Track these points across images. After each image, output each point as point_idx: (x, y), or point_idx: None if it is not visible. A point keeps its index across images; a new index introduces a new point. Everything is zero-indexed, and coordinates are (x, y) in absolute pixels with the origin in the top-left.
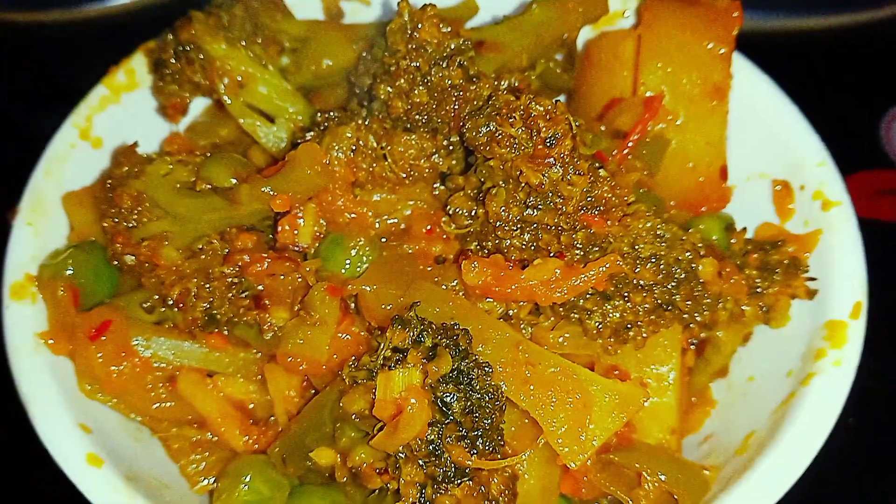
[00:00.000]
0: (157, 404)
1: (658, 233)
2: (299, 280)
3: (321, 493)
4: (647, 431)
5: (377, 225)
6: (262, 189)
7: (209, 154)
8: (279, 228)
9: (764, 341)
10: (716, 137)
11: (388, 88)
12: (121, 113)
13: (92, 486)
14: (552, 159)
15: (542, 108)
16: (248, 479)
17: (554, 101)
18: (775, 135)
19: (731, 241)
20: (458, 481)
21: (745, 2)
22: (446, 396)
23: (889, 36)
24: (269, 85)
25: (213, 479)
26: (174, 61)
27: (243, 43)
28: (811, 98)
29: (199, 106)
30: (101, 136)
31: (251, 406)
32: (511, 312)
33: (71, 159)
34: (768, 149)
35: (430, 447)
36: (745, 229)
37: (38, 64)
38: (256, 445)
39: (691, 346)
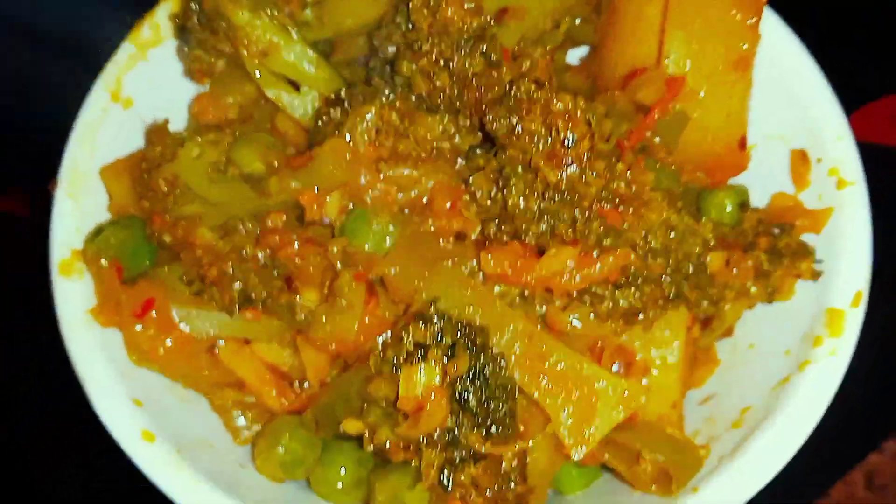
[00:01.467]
0: (201, 371)
1: (671, 223)
2: (327, 261)
3: (350, 449)
4: (650, 406)
5: (400, 199)
6: (291, 184)
7: (237, 133)
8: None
9: (768, 311)
10: (736, 109)
11: (413, 66)
12: (149, 70)
13: (147, 461)
14: (570, 159)
15: (561, 107)
16: (284, 440)
17: (574, 97)
18: (797, 99)
19: (744, 217)
20: (475, 462)
21: None
22: (464, 392)
23: None
24: (293, 52)
25: (254, 429)
26: (198, 29)
27: (268, 11)
28: (847, 17)
29: None
30: (131, 95)
31: (286, 370)
32: (526, 293)
33: (104, 124)
34: (789, 113)
35: (449, 436)
36: (757, 210)
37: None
38: (292, 406)
39: (698, 320)
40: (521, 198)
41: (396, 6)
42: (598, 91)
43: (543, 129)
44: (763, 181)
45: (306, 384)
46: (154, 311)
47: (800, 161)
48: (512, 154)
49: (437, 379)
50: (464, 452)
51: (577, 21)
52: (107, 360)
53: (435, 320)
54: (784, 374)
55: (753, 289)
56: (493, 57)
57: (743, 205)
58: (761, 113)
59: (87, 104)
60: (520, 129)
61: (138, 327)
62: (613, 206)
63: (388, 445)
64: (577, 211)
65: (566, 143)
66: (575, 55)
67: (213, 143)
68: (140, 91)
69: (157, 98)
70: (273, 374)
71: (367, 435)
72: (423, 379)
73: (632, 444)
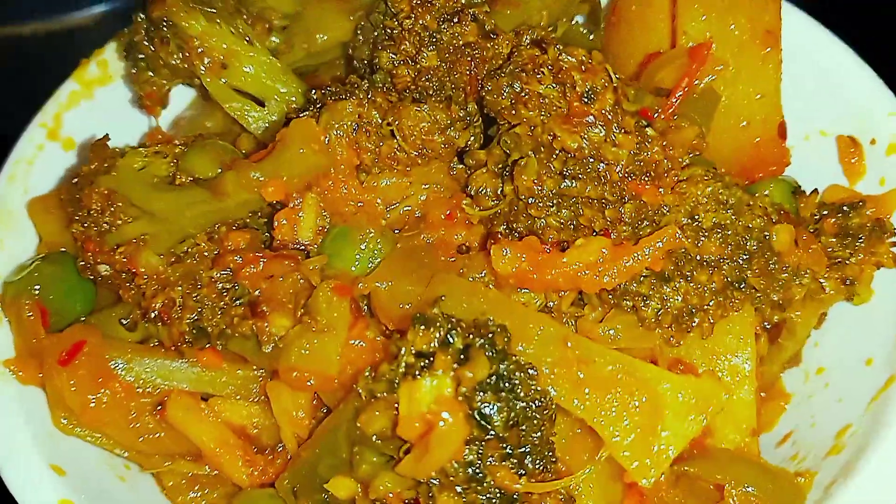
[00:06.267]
0: (145, 436)
1: (721, 198)
2: (301, 281)
3: None
4: (721, 434)
5: (388, 214)
6: (251, 175)
7: (190, 143)
8: (276, 223)
9: (835, 327)
10: (770, 89)
11: (392, 55)
12: (94, 109)
13: None
14: (591, 117)
15: (574, 60)
16: None
17: (587, 50)
18: (834, 85)
19: (800, 205)
20: None
21: None
22: (485, 407)
23: None
24: (255, 63)
25: None
26: (147, 44)
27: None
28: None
29: (183, 99)
30: (72, 135)
31: (254, 432)
32: (551, 304)
33: (38, 162)
34: (828, 102)
35: (470, 470)
36: (815, 192)
37: (17, 77)
38: (263, 477)
39: (764, 331)
40: (536, 179)
41: (371, 8)
42: None
43: (555, 90)
44: (808, 181)
45: (280, 447)
46: (84, 357)
47: (850, 148)
48: (518, 132)
49: (449, 390)
50: (491, 496)
51: (574, 24)
52: (22, 418)
53: (440, 321)
54: (878, 384)
55: (826, 282)
56: (487, 26)
57: (796, 192)
58: (795, 109)
59: (21, 140)
60: (526, 94)
61: (65, 380)
62: (648, 180)
63: (388, 499)
64: (604, 189)
65: (586, 97)
66: None
67: (159, 154)
68: (83, 132)
69: None
70: (238, 437)
71: (359, 494)
72: (430, 391)
73: (710, 476)
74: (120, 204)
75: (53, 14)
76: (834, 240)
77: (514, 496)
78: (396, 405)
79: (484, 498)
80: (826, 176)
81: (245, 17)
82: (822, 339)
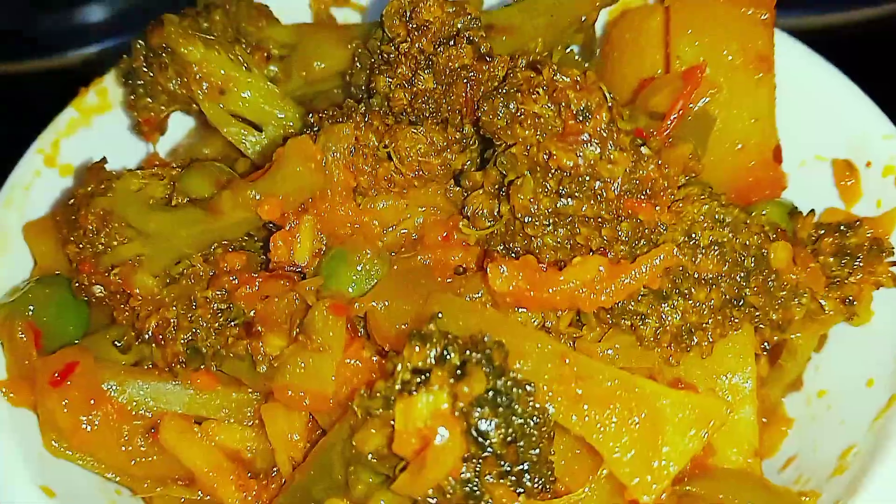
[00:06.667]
0: (137, 459)
1: (718, 216)
2: (297, 301)
3: None
4: (723, 454)
5: (385, 236)
6: (248, 193)
7: (187, 165)
8: (272, 245)
9: (836, 349)
10: (765, 113)
11: (388, 79)
12: (92, 137)
13: None
14: (587, 135)
15: (568, 80)
16: None
17: (582, 71)
18: (828, 111)
19: (798, 226)
20: None
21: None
22: (482, 423)
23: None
24: (253, 89)
25: None
26: (146, 70)
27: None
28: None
29: (181, 129)
30: (70, 162)
31: (249, 456)
32: (548, 325)
33: (35, 188)
34: (822, 127)
35: (467, 488)
36: (812, 212)
37: (17, 113)
38: (257, 503)
39: (763, 352)
40: (532, 198)
41: (368, 35)
42: None
43: (551, 110)
44: (805, 207)
45: (274, 472)
46: (77, 378)
47: (846, 171)
48: (514, 152)
49: (446, 406)
50: None
51: (569, 52)
52: (13, 439)
53: (436, 338)
54: (880, 404)
55: (826, 302)
56: (483, 49)
57: (793, 213)
58: (789, 135)
59: (19, 166)
60: (522, 114)
61: (56, 401)
62: (644, 198)
63: None
64: (600, 207)
65: (580, 116)
66: None
67: (156, 176)
68: (81, 158)
69: None
70: (232, 461)
71: None
72: (426, 406)
73: (713, 496)
74: (116, 225)
75: (55, 52)
76: (832, 259)
77: None
78: (392, 422)
79: None
80: (823, 200)
81: (244, 45)
82: (822, 363)
